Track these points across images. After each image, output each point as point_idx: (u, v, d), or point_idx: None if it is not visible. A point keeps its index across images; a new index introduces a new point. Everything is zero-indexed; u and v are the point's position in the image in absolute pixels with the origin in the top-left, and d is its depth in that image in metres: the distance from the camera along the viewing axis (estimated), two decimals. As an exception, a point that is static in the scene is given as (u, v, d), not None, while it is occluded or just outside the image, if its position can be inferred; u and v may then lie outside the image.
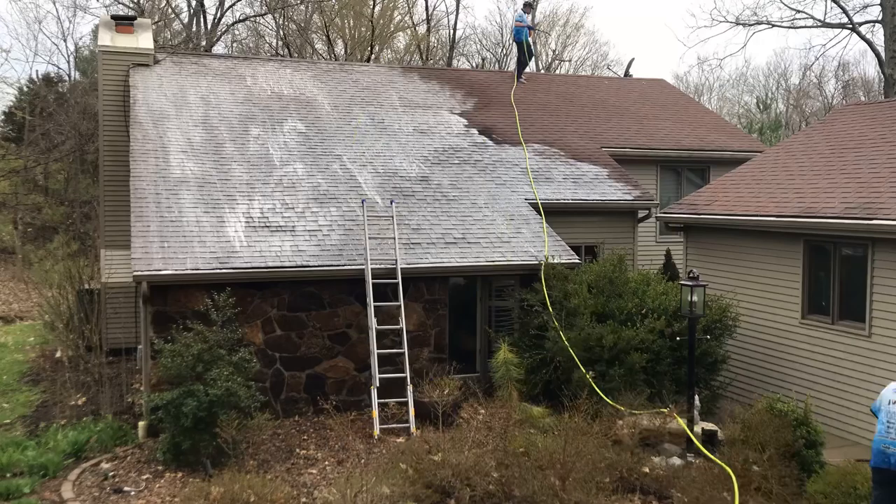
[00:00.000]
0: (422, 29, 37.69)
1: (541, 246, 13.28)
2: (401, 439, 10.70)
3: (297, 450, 10.61)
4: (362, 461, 9.98)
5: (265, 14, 33.49)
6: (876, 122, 14.30)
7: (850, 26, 30.58)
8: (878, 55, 30.07)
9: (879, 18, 29.25)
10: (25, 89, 31.53)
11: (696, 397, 10.57)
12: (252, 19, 34.01)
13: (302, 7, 32.56)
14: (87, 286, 15.73)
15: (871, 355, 11.19)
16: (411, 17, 37.83)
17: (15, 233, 28.75)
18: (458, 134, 16.99)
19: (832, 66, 52.26)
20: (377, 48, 34.60)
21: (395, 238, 12.36)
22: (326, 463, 10.19)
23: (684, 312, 10.64)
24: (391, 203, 13.04)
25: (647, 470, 9.15)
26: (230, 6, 32.13)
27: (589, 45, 46.72)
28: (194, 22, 32.44)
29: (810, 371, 12.13)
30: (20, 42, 67.79)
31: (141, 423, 11.19)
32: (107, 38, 16.77)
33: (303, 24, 33.77)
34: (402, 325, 11.88)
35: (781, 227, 12.42)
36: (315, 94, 17.62)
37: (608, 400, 10.54)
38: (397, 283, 11.96)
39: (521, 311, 12.72)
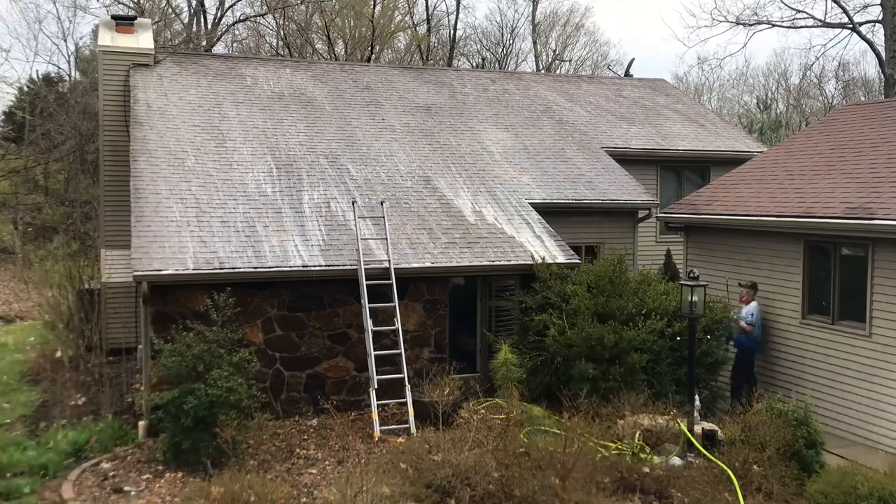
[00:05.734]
0: (422, 29, 37.71)
1: (541, 247, 13.27)
2: (401, 439, 10.70)
3: (298, 450, 10.60)
4: (362, 461, 9.97)
5: (265, 14, 33.49)
6: (876, 122, 14.30)
7: (851, 26, 30.59)
8: (878, 55, 30.09)
9: (879, 18, 29.27)
10: (25, 89, 31.52)
11: (697, 397, 10.58)
12: (252, 19, 34.02)
13: (302, 7, 32.56)
14: (87, 286, 15.72)
15: (871, 355, 11.19)
16: (411, 17, 37.89)
17: (15, 233, 28.74)
18: (458, 133, 16.99)
19: (832, 66, 52.30)
20: (377, 48, 34.61)
21: (387, 239, 12.34)
22: (326, 463, 10.19)
23: (684, 312, 10.64)
24: (381, 203, 13.01)
25: (647, 470, 9.15)
26: (230, 6, 32.15)
27: (589, 45, 46.66)
28: (194, 22, 32.45)
29: (810, 371, 12.13)
30: (20, 42, 67.79)
31: (141, 423, 11.19)
32: (107, 38, 16.77)
33: (303, 24, 33.76)
34: (398, 325, 11.86)
35: (782, 227, 12.43)
36: (315, 93, 17.63)
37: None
38: (392, 284, 11.94)
39: (521, 312, 12.71)
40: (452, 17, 47.36)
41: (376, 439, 10.85)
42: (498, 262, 12.73)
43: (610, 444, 9.60)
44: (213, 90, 16.73)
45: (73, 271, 15.96)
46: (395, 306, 11.88)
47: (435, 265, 12.42)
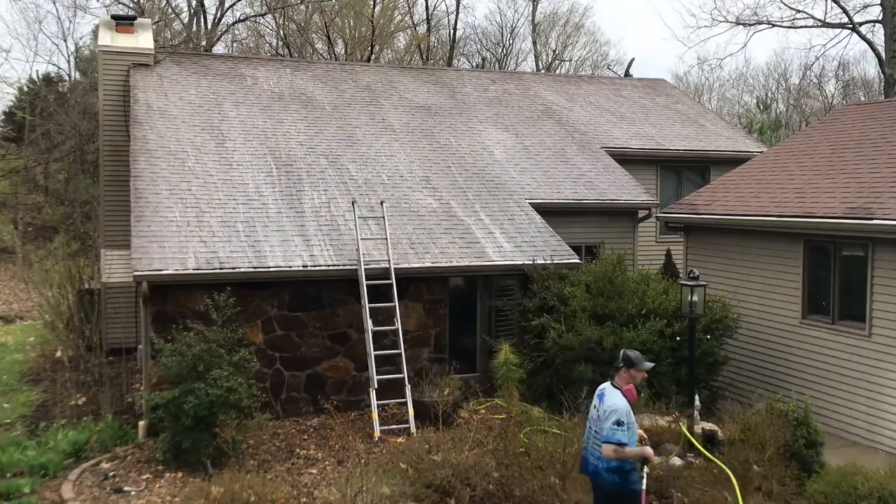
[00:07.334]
0: (422, 29, 37.70)
1: (542, 246, 13.27)
2: (401, 439, 10.70)
3: (298, 450, 10.61)
4: (362, 461, 9.97)
5: (265, 14, 33.47)
6: (876, 122, 14.30)
7: (851, 26, 30.58)
8: (878, 55, 30.08)
9: (879, 18, 29.27)
10: (25, 89, 31.53)
11: (697, 397, 10.57)
12: (252, 19, 33.99)
13: (302, 7, 32.54)
14: (87, 286, 15.74)
15: (871, 355, 11.19)
16: (411, 17, 37.87)
17: (15, 233, 28.74)
18: (459, 133, 16.99)
19: (832, 66, 52.22)
20: (377, 48, 34.60)
21: (387, 239, 12.34)
22: (326, 463, 10.19)
23: (684, 312, 10.64)
24: (381, 203, 13.02)
25: (647, 470, 9.13)
26: (230, 6, 32.11)
27: (589, 45, 46.66)
28: (194, 22, 32.42)
29: (810, 371, 12.13)
30: (20, 42, 67.58)
31: (141, 423, 11.20)
32: (107, 38, 16.78)
33: (303, 24, 33.76)
34: (398, 325, 11.86)
35: (782, 227, 12.42)
36: (315, 93, 17.63)
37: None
38: (391, 284, 11.94)
39: (520, 315, 12.70)
40: (452, 17, 47.48)
41: (376, 439, 10.85)
42: (498, 262, 12.73)
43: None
44: (213, 90, 16.73)
45: (73, 271, 15.97)
46: (395, 306, 11.88)
47: (435, 265, 12.42)
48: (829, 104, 42.36)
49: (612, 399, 6.97)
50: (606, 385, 7.20)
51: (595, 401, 7.20)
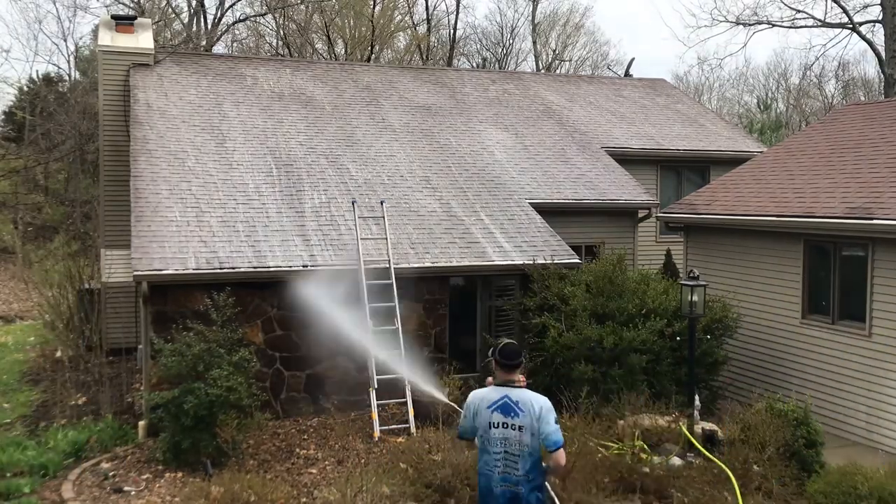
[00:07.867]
0: (422, 29, 37.70)
1: (542, 246, 13.27)
2: (401, 439, 10.69)
3: (298, 449, 10.60)
4: (362, 461, 9.98)
5: (265, 14, 33.49)
6: (876, 122, 14.30)
7: (851, 26, 30.59)
8: (878, 55, 30.09)
9: (879, 18, 29.29)
10: (25, 89, 31.54)
11: (697, 397, 10.57)
12: (252, 19, 34.01)
13: (302, 7, 32.55)
14: (87, 286, 15.74)
15: (871, 355, 11.19)
16: (411, 17, 37.89)
17: (15, 233, 28.75)
18: (459, 133, 16.98)
19: (832, 66, 52.19)
20: (377, 48, 34.61)
21: (387, 239, 12.33)
22: (326, 463, 10.19)
23: (684, 312, 10.63)
24: (381, 203, 13.01)
25: (647, 470, 9.14)
26: (230, 6, 32.13)
27: (589, 45, 46.65)
28: (194, 22, 32.43)
29: (810, 371, 12.13)
30: (20, 42, 67.78)
31: (141, 423, 11.19)
32: (107, 38, 16.78)
33: (303, 24, 33.77)
34: (398, 325, 11.85)
35: (782, 226, 12.43)
36: (315, 93, 17.63)
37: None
38: (391, 284, 11.93)
39: (520, 314, 12.69)
40: (452, 17, 47.48)
41: (376, 439, 10.84)
42: (498, 262, 12.72)
43: (610, 443, 9.61)
44: (213, 90, 16.73)
45: (73, 271, 15.97)
46: (395, 306, 11.87)
47: (435, 265, 12.41)
48: (829, 104, 42.36)
49: (533, 398, 5.81)
50: (503, 390, 5.88)
51: (493, 416, 5.84)
